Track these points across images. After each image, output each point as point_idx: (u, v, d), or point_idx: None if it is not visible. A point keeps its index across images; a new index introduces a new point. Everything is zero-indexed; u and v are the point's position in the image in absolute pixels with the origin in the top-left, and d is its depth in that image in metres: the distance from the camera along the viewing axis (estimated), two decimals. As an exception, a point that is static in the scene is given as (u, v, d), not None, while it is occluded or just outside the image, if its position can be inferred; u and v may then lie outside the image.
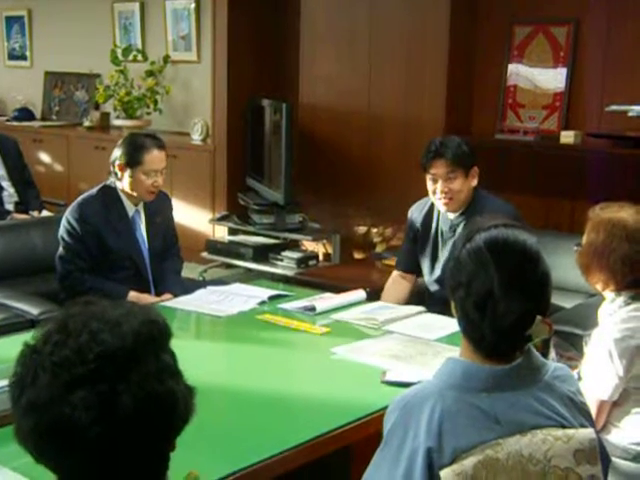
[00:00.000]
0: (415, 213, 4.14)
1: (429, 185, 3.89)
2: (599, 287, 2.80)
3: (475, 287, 1.82)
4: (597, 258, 2.74)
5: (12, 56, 9.17)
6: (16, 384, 1.33)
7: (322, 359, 3.08)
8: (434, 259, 4.03)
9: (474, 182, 3.91)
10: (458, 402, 1.79)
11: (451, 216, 3.95)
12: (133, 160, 3.98)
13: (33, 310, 3.91)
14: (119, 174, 4.02)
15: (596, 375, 2.69)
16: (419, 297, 4.10)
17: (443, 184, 3.83)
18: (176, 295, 3.89)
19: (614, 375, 2.67)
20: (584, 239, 2.81)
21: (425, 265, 4.09)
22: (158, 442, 1.35)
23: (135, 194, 4.04)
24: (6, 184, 5.86)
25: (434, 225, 4.05)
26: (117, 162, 4.02)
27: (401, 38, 5.98)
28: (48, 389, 1.28)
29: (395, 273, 4.23)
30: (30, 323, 3.80)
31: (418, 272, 4.18)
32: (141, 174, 3.98)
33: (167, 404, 1.33)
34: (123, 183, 4.03)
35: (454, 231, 3.88)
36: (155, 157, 4.00)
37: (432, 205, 4.04)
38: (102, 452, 1.29)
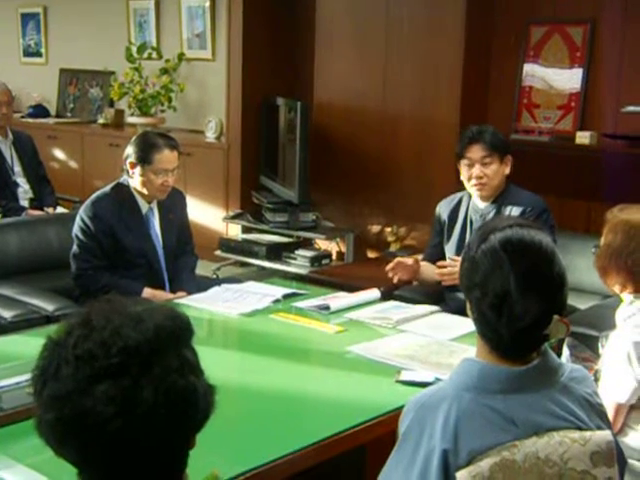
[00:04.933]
0: (443, 207, 4.23)
1: (464, 172, 3.98)
2: (617, 289, 2.78)
3: (491, 288, 1.81)
4: (615, 260, 2.72)
5: (27, 53, 9.20)
6: (38, 377, 1.33)
7: (336, 358, 3.07)
8: (461, 247, 4.01)
9: (507, 170, 4.01)
10: (474, 404, 1.78)
11: (481, 205, 4.03)
12: (143, 159, 3.97)
13: (48, 306, 3.90)
14: (130, 171, 4.02)
15: (614, 378, 2.67)
16: (436, 298, 4.11)
17: (479, 168, 3.92)
18: (190, 293, 3.89)
19: (632, 378, 2.64)
20: (602, 241, 2.79)
21: (450, 253, 4.13)
22: (179, 437, 1.35)
23: (146, 192, 4.05)
24: (21, 180, 5.87)
25: (462, 215, 4.12)
26: (129, 160, 4.02)
27: (417, 37, 5.97)
28: (70, 382, 1.28)
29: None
30: (45, 319, 3.79)
31: None
32: (151, 173, 3.97)
33: (188, 398, 1.33)
34: (134, 181, 4.03)
35: (484, 219, 3.92)
36: (166, 157, 3.99)
37: (460, 199, 4.14)
38: (123, 445, 1.29)
